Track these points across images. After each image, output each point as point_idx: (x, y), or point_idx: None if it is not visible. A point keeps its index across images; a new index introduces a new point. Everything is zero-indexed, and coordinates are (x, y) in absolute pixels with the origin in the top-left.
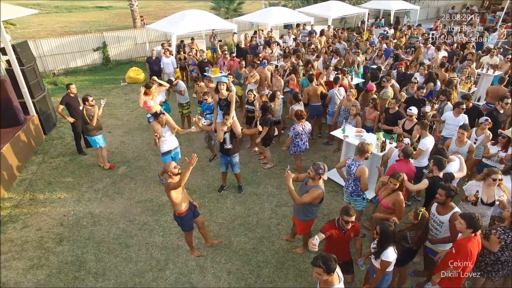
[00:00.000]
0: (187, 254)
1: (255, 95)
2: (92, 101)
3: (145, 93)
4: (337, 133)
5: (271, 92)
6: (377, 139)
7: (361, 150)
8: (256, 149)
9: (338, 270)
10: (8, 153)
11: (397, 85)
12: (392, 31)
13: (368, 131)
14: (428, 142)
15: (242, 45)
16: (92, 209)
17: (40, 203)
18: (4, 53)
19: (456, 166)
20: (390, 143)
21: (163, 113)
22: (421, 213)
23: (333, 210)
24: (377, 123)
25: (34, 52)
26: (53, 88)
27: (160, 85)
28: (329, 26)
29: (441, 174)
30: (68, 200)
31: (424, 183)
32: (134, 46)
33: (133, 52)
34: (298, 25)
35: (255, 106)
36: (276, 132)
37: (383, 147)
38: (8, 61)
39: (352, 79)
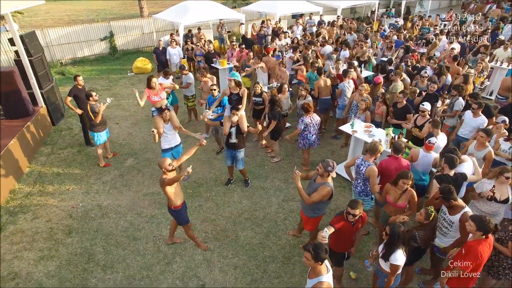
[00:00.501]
0: (193, 248)
1: (261, 87)
2: (96, 96)
3: (149, 87)
4: (346, 127)
5: (279, 84)
6: (387, 134)
7: (372, 150)
8: (263, 142)
9: (326, 262)
10: (18, 144)
11: (408, 79)
12: (402, 21)
13: (377, 126)
14: (439, 141)
15: (249, 36)
16: (101, 201)
17: (50, 194)
18: (13, 44)
19: (468, 168)
20: (398, 137)
21: (168, 110)
22: (432, 214)
23: (340, 205)
24: (385, 118)
25: (42, 41)
26: (60, 78)
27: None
28: (338, 16)
29: (452, 173)
30: (76, 191)
31: (436, 186)
32: (141, 36)
33: (140, 41)
34: (302, 15)
35: (264, 100)
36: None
37: (392, 143)
38: (16, 52)
39: (361, 71)
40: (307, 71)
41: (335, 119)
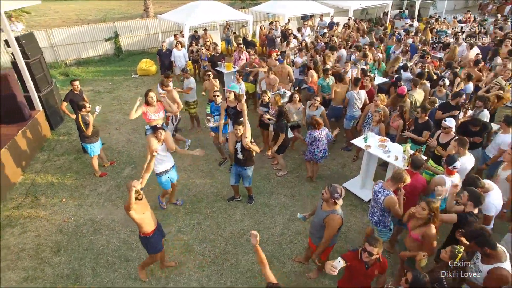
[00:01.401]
0: (189, 273)
1: (269, 97)
2: (88, 107)
3: (147, 104)
4: (358, 141)
5: (285, 91)
6: (404, 151)
7: (396, 179)
8: (270, 153)
9: None
10: (11, 151)
11: (428, 86)
12: (416, 23)
13: (392, 140)
14: (466, 162)
15: (249, 38)
16: (94, 216)
17: (41, 206)
18: (9, 46)
19: (496, 197)
20: (415, 154)
21: (163, 129)
22: (460, 254)
23: (351, 227)
24: (399, 132)
25: (46, 42)
26: (64, 79)
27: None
28: (349, 17)
29: (476, 211)
30: (69, 204)
31: (452, 218)
32: (146, 36)
33: (146, 42)
34: (311, 16)
35: (270, 109)
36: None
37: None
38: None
39: (374, 78)
40: (318, 77)
41: (344, 130)
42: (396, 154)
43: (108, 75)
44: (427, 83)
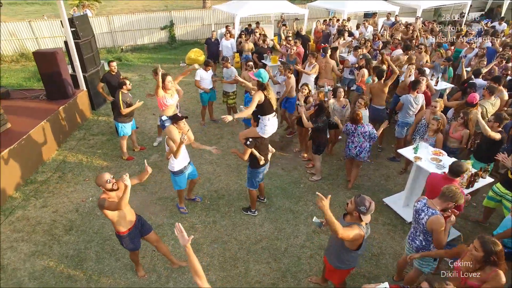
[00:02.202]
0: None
1: (310, 91)
2: (129, 85)
3: (163, 87)
4: (407, 152)
5: (330, 89)
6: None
7: (445, 196)
8: (306, 155)
9: None
10: (51, 125)
11: (506, 95)
12: (504, 25)
13: (449, 154)
14: None
15: (303, 32)
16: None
17: (66, 183)
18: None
19: None
20: (482, 177)
21: (186, 117)
22: None
23: (385, 250)
24: (464, 144)
25: (106, 27)
26: (117, 64)
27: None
28: (417, 17)
29: None
30: (91, 184)
31: None
32: (201, 27)
33: (199, 33)
34: (375, 14)
35: (308, 103)
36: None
37: (470, 182)
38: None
39: (437, 83)
40: (369, 75)
41: (395, 137)
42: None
43: (158, 62)
44: (504, 91)
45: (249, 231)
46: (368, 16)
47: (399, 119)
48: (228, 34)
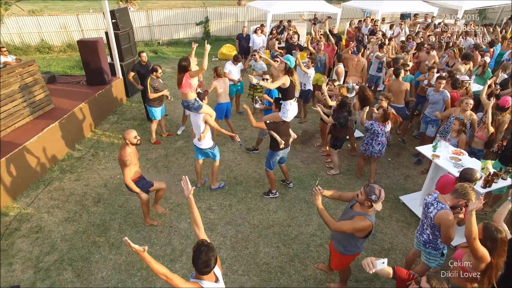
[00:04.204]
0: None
1: (335, 86)
2: (160, 73)
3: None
4: (425, 149)
5: (354, 85)
6: (482, 168)
7: (458, 193)
8: (325, 149)
9: None
10: (89, 108)
11: None
12: None
13: (471, 155)
14: None
15: (335, 31)
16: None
17: (98, 160)
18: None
19: None
20: (503, 178)
21: (207, 91)
22: None
23: (397, 247)
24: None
25: (145, 21)
26: (152, 56)
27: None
28: (457, 19)
29: None
30: None
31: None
32: (235, 24)
33: (233, 29)
34: (416, 15)
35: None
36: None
37: (488, 182)
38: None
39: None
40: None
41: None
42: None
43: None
44: None
45: (262, 216)
46: (405, 17)
47: (427, 117)
48: (260, 30)
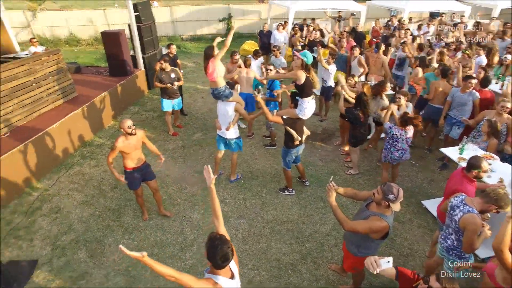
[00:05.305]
0: None
1: (356, 81)
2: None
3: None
4: (451, 151)
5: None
6: None
7: (488, 197)
8: (347, 148)
9: None
10: (110, 98)
11: None
12: None
13: (503, 160)
14: None
15: (359, 29)
16: (153, 167)
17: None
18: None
19: None
20: None
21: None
22: None
23: (416, 253)
24: None
25: (169, 17)
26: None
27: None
28: (492, 18)
29: None
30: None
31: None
32: (258, 21)
33: (256, 26)
34: (443, 14)
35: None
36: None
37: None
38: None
39: (502, 86)
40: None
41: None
42: (502, 176)
43: None
44: None
45: (276, 212)
46: (434, 16)
47: (451, 117)
48: (281, 27)
